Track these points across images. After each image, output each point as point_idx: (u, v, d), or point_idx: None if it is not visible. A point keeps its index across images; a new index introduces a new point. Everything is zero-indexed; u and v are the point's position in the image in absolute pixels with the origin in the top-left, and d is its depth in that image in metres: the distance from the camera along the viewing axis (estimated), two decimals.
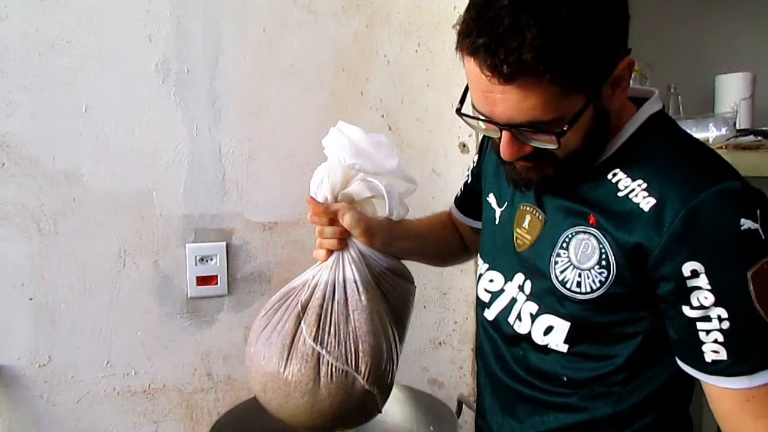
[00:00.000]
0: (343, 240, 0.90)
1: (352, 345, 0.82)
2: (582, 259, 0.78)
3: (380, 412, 0.88)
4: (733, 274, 0.69)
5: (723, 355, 0.70)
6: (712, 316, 0.70)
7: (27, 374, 1.29)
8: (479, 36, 0.67)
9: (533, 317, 0.84)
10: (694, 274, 0.70)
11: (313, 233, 1.44)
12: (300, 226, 1.45)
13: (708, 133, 1.28)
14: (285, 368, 0.82)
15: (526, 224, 0.87)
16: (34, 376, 1.29)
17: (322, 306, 0.84)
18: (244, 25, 1.37)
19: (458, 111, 0.78)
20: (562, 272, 0.80)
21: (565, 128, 0.69)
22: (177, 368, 1.39)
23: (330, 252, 0.90)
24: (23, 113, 1.24)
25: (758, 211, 0.69)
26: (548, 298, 0.82)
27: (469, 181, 1.08)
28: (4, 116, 1.23)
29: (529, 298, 0.85)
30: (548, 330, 0.82)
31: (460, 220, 1.12)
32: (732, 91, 1.59)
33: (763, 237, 0.69)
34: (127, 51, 1.29)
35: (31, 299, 1.28)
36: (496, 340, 0.92)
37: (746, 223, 0.68)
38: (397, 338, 0.91)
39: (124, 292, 1.34)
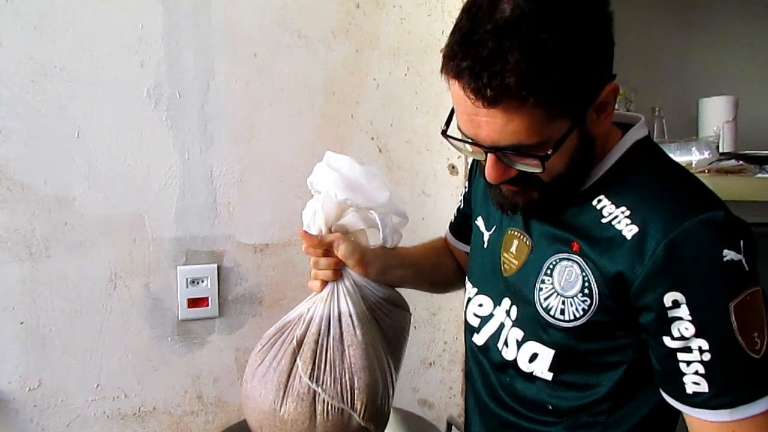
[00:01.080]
0: (338, 271, 0.91)
1: (347, 382, 0.82)
2: (566, 287, 0.78)
3: None
4: (714, 306, 0.69)
5: (704, 387, 0.70)
6: (692, 347, 0.70)
7: (17, 398, 1.29)
8: (463, 59, 0.67)
9: (519, 344, 0.84)
10: (675, 304, 0.70)
11: (304, 255, 1.47)
12: (291, 247, 1.46)
13: (691, 156, 1.30)
14: (281, 407, 0.82)
15: (513, 249, 0.87)
16: (23, 400, 1.29)
17: (317, 342, 0.84)
18: (235, 50, 1.39)
19: (444, 133, 0.78)
20: (546, 299, 0.80)
21: (549, 152, 0.70)
22: (167, 391, 1.39)
23: (325, 283, 0.91)
24: (16, 139, 1.25)
25: (741, 241, 0.69)
26: (533, 324, 0.82)
27: (461, 207, 1.09)
28: None
29: (515, 323, 0.85)
30: (533, 357, 0.83)
31: (455, 246, 1.13)
32: (715, 114, 1.62)
33: (746, 268, 0.69)
34: (120, 77, 1.31)
35: (21, 323, 1.28)
36: (484, 366, 0.92)
37: (729, 254, 0.68)
38: (392, 368, 0.92)
39: (115, 315, 1.34)
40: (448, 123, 0.78)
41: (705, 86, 1.75)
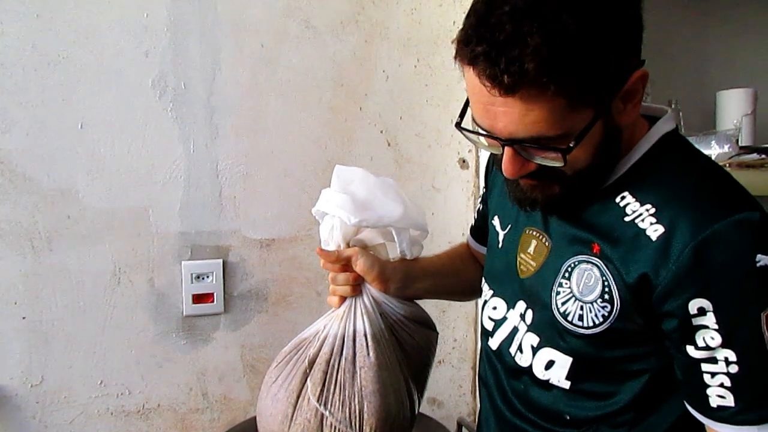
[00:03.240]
0: (357, 286, 0.87)
1: (356, 406, 0.79)
2: (584, 291, 0.73)
3: None
4: (744, 315, 0.65)
5: (730, 401, 0.66)
6: (719, 358, 0.66)
7: (19, 394, 1.27)
8: (479, 44, 0.62)
9: (534, 350, 0.80)
10: (701, 312, 0.65)
11: (311, 250, 1.45)
12: (298, 242, 1.43)
13: (710, 150, 1.26)
14: (289, 428, 0.79)
15: (531, 250, 0.82)
16: (26, 397, 1.27)
17: (329, 362, 0.81)
18: (241, 40, 1.36)
19: (458, 125, 0.73)
20: (563, 304, 0.76)
21: (571, 145, 0.65)
22: (172, 388, 1.36)
23: (344, 299, 0.87)
24: (18, 130, 1.23)
25: None
26: (549, 330, 0.78)
27: (481, 209, 1.04)
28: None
29: (530, 328, 0.81)
30: (549, 364, 0.78)
31: (477, 250, 1.07)
32: (734, 107, 1.57)
33: None
34: (124, 67, 1.28)
35: (24, 318, 1.26)
36: (498, 371, 0.88)
37: (763, 260, 0.63)
38: (413, 391, 0.87)
39: (118, 311, 1.32)
40: (462, 114, 0.74)
41: (723, 78, 1.71)
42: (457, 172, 1.55)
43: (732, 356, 0.65)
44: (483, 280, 0.94)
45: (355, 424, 0.78)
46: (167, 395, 1.36)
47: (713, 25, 1.83)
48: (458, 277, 1.04)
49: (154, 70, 1.30)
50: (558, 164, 0.67)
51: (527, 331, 0.81)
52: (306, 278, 1.44)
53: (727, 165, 1.22)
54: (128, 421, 1.34)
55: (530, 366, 0.80)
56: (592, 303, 0.73)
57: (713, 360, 0.67)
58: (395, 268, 0.89)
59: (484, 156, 1.56)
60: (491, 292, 0.90)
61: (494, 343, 0.87)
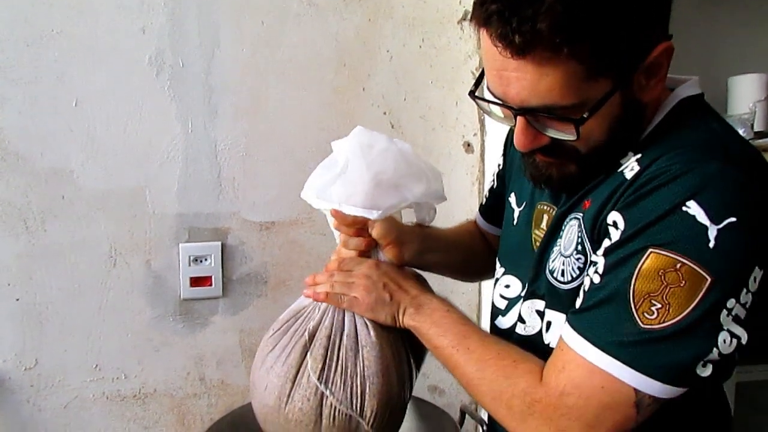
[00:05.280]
0: (367, 253, 0.84)
1: (358, 387, 0.76)
2: (566, 246, 0.71)
3: None
4: (636, 239, 0.60)
5: (578, 303, 0.65)
6: (598, 262, 0.64)
7: (12, 378, 1.24)
8: (493, 2, 0.60)
9: (541, 314, 0.77)
10: (614, 225, 0.63)
11: (311, 234, 1.42)
12: (298, 226, 1.40)
13: None
14: (286, 404, 0.76)
15: (543, 224, 0.80)
16: (20, 380, 1.25)
17: (329, 338, 0.78)
18: (241, 17, 1.32)
19: (471, 93, 0.70)
20: (553, 261, 0.74)
21: (585, 115, 0.62)
22: (169, 372, 1.34)
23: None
24: (10, 107, 1.19)
25: (734, 218, 0.57)
26: (548, 293, 0.75)
27: (495, 186, 1.00)
28: None
29: (538, 296, 0.78)
30: (548, 326, 0.75)
31: (487, 230, 1.04)
32: (746, 92, 1.54)
33: (710, 241, 0.57)
34: (120, 43, 1.24)
35: (17, 300, 1.23)
36: None
37: (692, 207, 0.58)
38: (413, 368, 0.85)
39: (114, 293, 1.29)
40: (477, 83, 0.71)
41: (735, 64, 1.67)
42: (461, 156, 1.52)
43: (601, 269, 0.63)
44: (497, 259, 0.91)
45: (356, 406, 0.75)
46: (164, 380, 1.34)
47: (725, 11, 1.79)
48: (467, 255, 1.01)
49: (150, 47, 1.26)
50: (571, 137, 0.64)
51: (536, 298, 0.78)
52: (306, 262, 1.41)
53: None
54: (124, 405, 1.32)
55: (539, 332, 0.77)
56: (569, 257, 0.71)
57: (594, 264, 0.65)
58: (413, 233, 0.87)
59: (490, 140, 1.53)
60: (503, 269, 0.87)
61: (506, 321, 0.84)
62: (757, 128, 1.41)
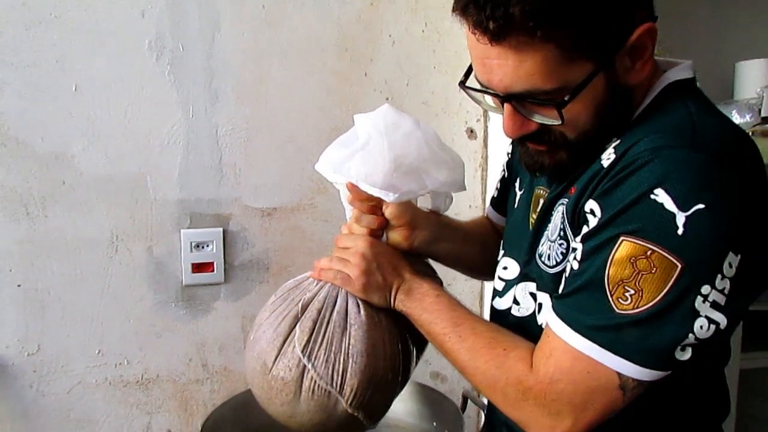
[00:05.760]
0: (379, 231, 0.83)
1: (341, 364, 0.75)
2: (552, 230, 0.72)
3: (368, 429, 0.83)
4: (608, 227, 0.61)
5: (561, 287, 0.66)
6: (577, 249, 0.65)
7: (15, 363, 1.24)
8: None
9: (534, 296, 0.77)
10: (592, 213, 0.63)
11: (313, 220, 1.41)
12: (300, 212, 1.39)
13: (731, 119, 1.21)
14: (270, 371, 0.76)
15: (539, 208, 0.80)
16: (22, 365, 1.25)
17: (320, 312, 0.77)
18: (242, 0, 1.30)
19: (461, 84, 0.71)
20: (541, 245, 0.74)
21: (566, 98, 0.62)
22: (171, 358, 1.34)
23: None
24: (10, 92, 1.18)
25: (702, 205, 0.57)
26: (539, 277, 0.76)
27: (505, 176, 0.99)
28: None
29: (531, 278, 0.78)
30: (540, 307, 0.75)
31: (498, 222, 1.02)
32: (753, 77, 1.52)
33: (678, 228, 0.57)
34: (119, 27, 1.23)
35: (19, 286, 1.23)
36: None
37: (660, 195, 0.58)
38: (411, 348, 0.83)
39: (116, 279, 1.29)
40: (467, 74, 0.71)
41: (742, 49, 1.65)
42: (464, 142, 1.51)
43: (579, 255, 0.64)
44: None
45: (336, 383, 0.75)
46: (166, 366, 1.34)
47: None
48: (481, 248, 0.99)
49: (150, 31, 1.25)
50: (556, 122, 0.65)
51: (529, 281, 0.78)
52: (308, 249, 1.40)
53: (750, 134, 1.17)
54: (127, 391, 1.32)
55: (532, 314, 0.77)
56: (554, 242, 0.72)
57: (575, 250, 0.65)
58: (428, 218, 0.86)
59: (493, 126, 1.52)
60: (503, 251, 0.87)
61: (503, 303, 0.84)
62: (764, 113, 1.39)
